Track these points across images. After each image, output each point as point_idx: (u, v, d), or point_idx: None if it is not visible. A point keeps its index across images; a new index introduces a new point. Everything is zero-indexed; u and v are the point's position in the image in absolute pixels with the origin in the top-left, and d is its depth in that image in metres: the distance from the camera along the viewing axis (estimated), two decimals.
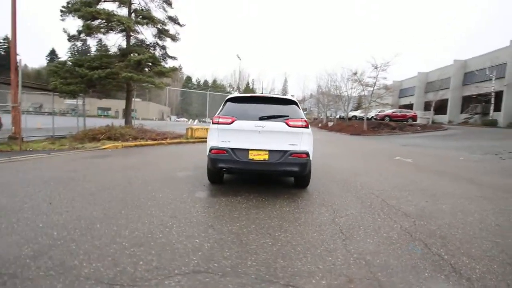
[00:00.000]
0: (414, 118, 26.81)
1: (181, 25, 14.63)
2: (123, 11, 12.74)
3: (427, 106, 34.45)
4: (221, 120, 3.95)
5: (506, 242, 2.77)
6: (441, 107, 31.14)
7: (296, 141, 3.89)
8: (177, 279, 1.90)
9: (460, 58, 31.43)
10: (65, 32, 12.02)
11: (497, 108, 25.68)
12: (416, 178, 6.03)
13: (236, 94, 4.56)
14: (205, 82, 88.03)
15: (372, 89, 24.71)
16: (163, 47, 14.17)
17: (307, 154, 3.88)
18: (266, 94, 4.49)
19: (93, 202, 3.49)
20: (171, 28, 14.04)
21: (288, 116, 3.97)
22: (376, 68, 22.83)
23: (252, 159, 3.81)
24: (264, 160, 3.81)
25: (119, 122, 12.70)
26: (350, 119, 30.60)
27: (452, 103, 31.97)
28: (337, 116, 34.56)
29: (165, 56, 14.82)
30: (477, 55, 29.34)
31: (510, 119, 24.07)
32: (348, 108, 31.24)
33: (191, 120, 47.09)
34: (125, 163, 6.38)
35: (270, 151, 3.82)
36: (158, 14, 13.46)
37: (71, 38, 12.22)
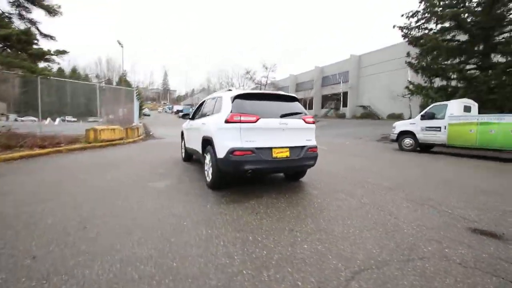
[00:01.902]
0: None
1: None
2: None
3: None
4: (243, 118, 3.61)
5: (465, 193, 4.16)
6: (308, 104, 38.76)
7: (310, 136, 4.15)
8: (364, 275, 1.84)
9: (319, 65, 39.97)
10: None
11: (345, 105, 34.77)
12: (349, 161, 7.58)
13: (239, 91, 4.21)
14: (60, 70, 69.48)
15: (264, 86, 27.62)
16: (31, 21, 10.31)
17: (317, 147, 4.22)
18: (272, 91, 4.39)
19: (119, 239, 2.46)
20: None
21: (301, 113, 4.14)
22: (266, 68, 25.69)
23: (276, 157, 3.76)
24: (286, 157, 3.84)
25: None
26: None
27: (315, 100, 40.36)
28: None
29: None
30: (330, 64, 38.30)
31: (353, 113, 33.23)
32: None
33: (49, 119, 36.28)
34: (49, 181, 4.49)
35: (290, 147, 3.88)
36: None
37: None
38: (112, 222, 2.84)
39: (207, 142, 4.27)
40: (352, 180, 5.04)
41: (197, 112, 6.00)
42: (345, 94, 34.76)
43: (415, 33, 16.17)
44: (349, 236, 2.61)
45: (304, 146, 4.01)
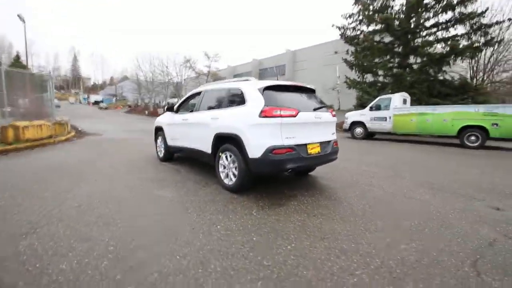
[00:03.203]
0: None
1: None
2: None
3: None
4: (283, 112, 3.22)
5: (455, 177, 4.79)
6: None
7: (333, 130, 4.07)
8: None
9: (257, 58, 40.54)
10: None
11: None
12: None
13: (265, 82, 3.72)
14: None
15: (206, 76, 26.35)
16: None
17: (337, 141, 4.18)
18: (297, 83, 4.02)
19: (197, 277, 1.83)
20: None
21: (326, 106, 4.00)
22: (208, 58, 24.52)
23: (311, 154, 3.55)
24: (318, 153, 3.66)
25: None
26: None
27: None
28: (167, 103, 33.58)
29: None
30: (267, 57, 39.30)
31: None
32: (185, 93, 31.28)
33: None
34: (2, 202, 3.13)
35: (320, 143, 3.72)
36: None
37: None
38: (163, 252, 2.15)
39: (227, 140, 3.71)
40: (351, 170, 5.26)
41: (185, 105, 5.20)
42: None
43: (350, 33, 18.01)
44: (430, 233, 2.56)
45: (330, 141, 3.92)
